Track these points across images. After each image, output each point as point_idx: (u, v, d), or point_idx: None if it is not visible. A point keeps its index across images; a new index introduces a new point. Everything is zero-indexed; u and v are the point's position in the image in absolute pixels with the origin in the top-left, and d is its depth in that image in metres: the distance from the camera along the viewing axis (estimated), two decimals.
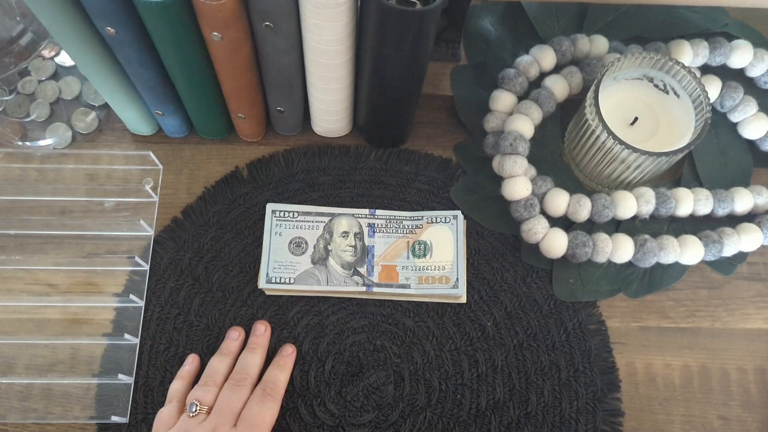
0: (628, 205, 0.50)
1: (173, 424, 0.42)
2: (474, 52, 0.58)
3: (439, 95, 0.57)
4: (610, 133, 0.46)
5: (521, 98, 0.54)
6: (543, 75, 0.55)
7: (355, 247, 0.50)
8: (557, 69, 0.55)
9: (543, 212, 0.51)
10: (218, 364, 0.45)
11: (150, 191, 0.52)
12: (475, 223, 0.52)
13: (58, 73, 0.57)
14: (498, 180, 0.52)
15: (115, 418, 0.46)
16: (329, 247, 0.50)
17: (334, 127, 0.54)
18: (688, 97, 0.49)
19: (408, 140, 0.55)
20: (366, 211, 0.51)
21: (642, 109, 0.51)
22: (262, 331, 0.48)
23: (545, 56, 0.54)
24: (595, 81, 0.48)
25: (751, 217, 0.52)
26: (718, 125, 0.55)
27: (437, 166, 0.54)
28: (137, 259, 0.50)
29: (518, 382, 0.48)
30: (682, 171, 0.54)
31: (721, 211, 0.51)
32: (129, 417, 0.46)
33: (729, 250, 0.50)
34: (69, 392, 0.47)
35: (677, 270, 0.51)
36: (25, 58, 0.53)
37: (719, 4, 0.57)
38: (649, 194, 0.50)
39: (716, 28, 0.57)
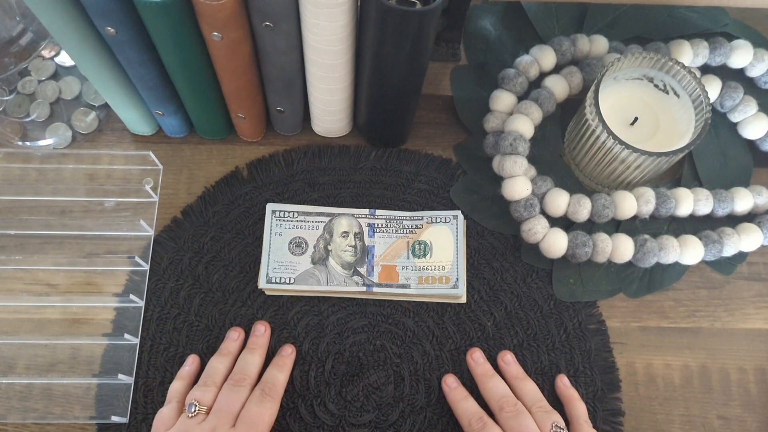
0: (628, 205, 0.50)
1: (173, 424, 0.42)
2: (474, 52, 0.58)
3: (439, 95, 0.57)
4: (610, 133, 0.46)
5: (521, 98, 0.54)
6: (543, 75, 0.55)
7: (355, 247, 0.50)
8: (557, 69, 0.55)
9: (543, 212, 0.51)
10: (218, 364, 0.45)
11: (150, 191, 0.52)
12: (475, 223, 0.52)
13: (58, 73, 0.57)
14: (498, 180, 0.52)
15: (115, 418, 0.46)
16: (329, 247, 0.50)
17: (334, 127, 0.54)
18: (688, 97, 0.49)
19: (408, 140, 0.55)
20: (366, 211, 0.51)
21: (642, 109, 0.51)
22: (261, 331, 0.48)
23: (545, 56, 0.54)
24: (595, 81, 0.48)
25: (751, 217, 0.52)
26: (718, 125, 0.55)
27: (437, 166, 0.54)
28: (137, 259, 0.50)
29: None
30: (682, 171, 0.54)
31: (721, 211, 0.51)
32: (129, 417, 0.46)
33: (729, 250, 0.50)
34: (69, 392, 0.47)
35: (677, 270, 0.51)
36: (25, 58, 0.54)
37: (719, 4, 0.57)
38: (649, 194, 0.50)
39: (716, 28, 0.57)
